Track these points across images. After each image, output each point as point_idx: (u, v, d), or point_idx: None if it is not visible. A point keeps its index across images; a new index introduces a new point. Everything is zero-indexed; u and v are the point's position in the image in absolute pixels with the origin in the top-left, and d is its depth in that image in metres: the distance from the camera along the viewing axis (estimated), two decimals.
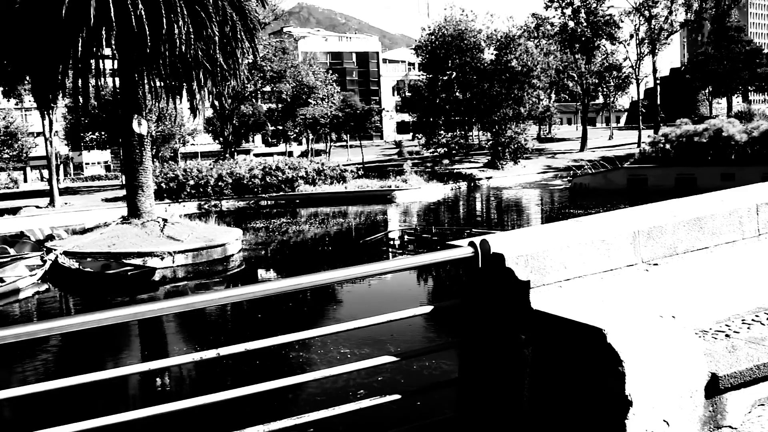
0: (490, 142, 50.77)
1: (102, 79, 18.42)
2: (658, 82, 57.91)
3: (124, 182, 26.47)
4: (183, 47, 16.98)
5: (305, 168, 36.59)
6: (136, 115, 18.48)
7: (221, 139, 49.66)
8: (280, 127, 58.96)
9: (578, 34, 55.77)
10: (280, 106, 55.37)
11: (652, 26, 54.27)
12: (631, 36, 56.72)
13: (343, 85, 78.34)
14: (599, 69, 59.34)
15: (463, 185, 42.15)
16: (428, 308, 2.62)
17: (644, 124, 58.21)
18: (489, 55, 49.53)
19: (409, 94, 58.74)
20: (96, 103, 29.36)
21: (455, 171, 46.11)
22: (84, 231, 20.11)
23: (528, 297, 2.44)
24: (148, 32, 16.30)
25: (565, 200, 31.82)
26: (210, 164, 37.91)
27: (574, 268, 3.09)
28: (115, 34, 16.38)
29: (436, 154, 52.61)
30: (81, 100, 19.22)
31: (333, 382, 7.26)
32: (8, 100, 39.52)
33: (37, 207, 34.48)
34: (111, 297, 14.30)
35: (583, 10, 55.87)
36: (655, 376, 2.21)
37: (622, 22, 56.43)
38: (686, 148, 30.46)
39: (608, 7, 55.92)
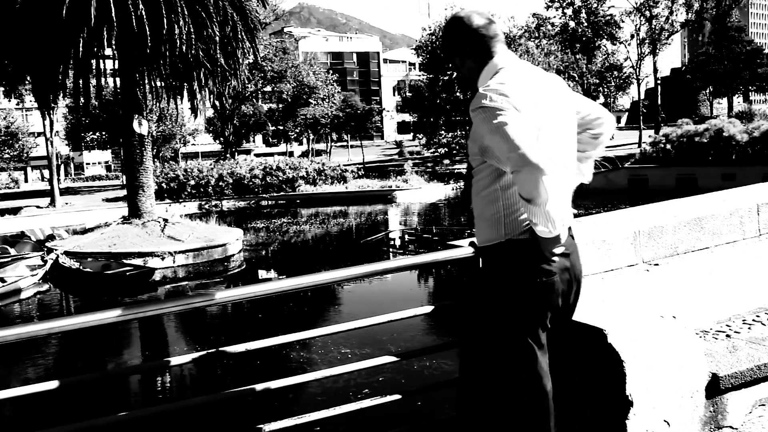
0: None
1: (103, 79, 18.41)
2: (658, 82, 57.87)
3: (124, 182, 26.48)
4: (184, 47, 16.98)
5: (306, 168, 36.58)
6: (136, 115, 18.48)
7: (222, 139, 49.69)
8: (281, 127, 58.98)
9: (579, 34, 55.74)
10: (280, 106, 55.37)
11: (653, 26, 54.22)
12: (632, 36, 56.64)
13: (343, 85, 78.38)
14: (600, 69, 59.34)
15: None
16: (428, 308, 2.62)
17: (645, 124, 58.17)
18: None
19: (410, 94, 58.75)
20: (97, 103, 29.33)
21: (456, 171, 46.08)
22: (85, 231, 20.12)
23: None
24: (148, 32, 16.30)
25: None
26: (211, 164, 37.91)
27: None
28: (116, 34, 16.38)
29: (436, 154, 52.60)
30: (82, 100, 19.22)
31: (333, 382, 7.26)
32: (9, 100, 39.54)
33: (38, 207, 34.48)
34: (111, 297, 14.30)
35: (583, 10, 55.83)
36: (655, 377, 2.21)
37: (623, 22, 56.39)
38: (687, 148, 30.42)
39: (609, 8, 55.91)
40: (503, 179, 2.05)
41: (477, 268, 2.23)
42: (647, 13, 54.37)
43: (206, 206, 32.90)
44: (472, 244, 2.29)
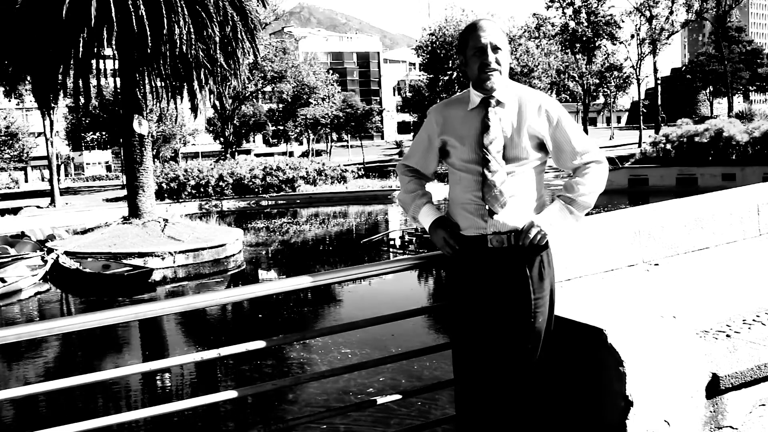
0: None
1: (103, 79, 18.42)
2: (658, 82, 57.86)
3: (124, 182, 26.49)
4: (184, 47, 16.98)
5: (306, 168, 36.58)
6: (136, 115, 18.48)
7: (222, 139, 49.69)
8: (281, 127, 58.99)
9: (579, 35, 55.75)
10: (280, 106, 55.38)
11: (653, 26, 54.23)
12: (632, 36, 56.64)
13: (343, 85, 78.41)
14: (600, 69, 59.31)
15: None
16: (429, 308, 2.61)
17: (645, 124, 58.18)
18: None
19: (410, 94, 58.75)
20: (97, 103, 29.38)
21: None
22: (85, 231, 20.10)
23: None
24: (149, 32, 16.30)
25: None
26: (211, 164, 37.91)
27: (574, 267, 3.09)
28: (116, 34, 16.37)
29: None
30: (82, 100, 19.21)
31: (333, 382, 7.25)
32: (9, 100, 39.54)
33: (38, 207, 34.49)
34: (111, 297, 14.30)
35: (584, 10, 55.84)
36: (655, 377, 2.21)
37: (623, 22, 56.41)
38: (687, 148, 30.43)
39: (609, 7, 55.93)
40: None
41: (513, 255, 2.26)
42: (647, 13, 54.36)
43: (206, 206, 32.88)
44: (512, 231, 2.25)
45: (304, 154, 61.02)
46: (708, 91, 73.63)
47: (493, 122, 2.23)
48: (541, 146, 2.29)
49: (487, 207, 2.23)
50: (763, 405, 2.45)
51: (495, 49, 2.21)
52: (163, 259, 16.71)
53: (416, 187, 2.49)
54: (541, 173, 2.34)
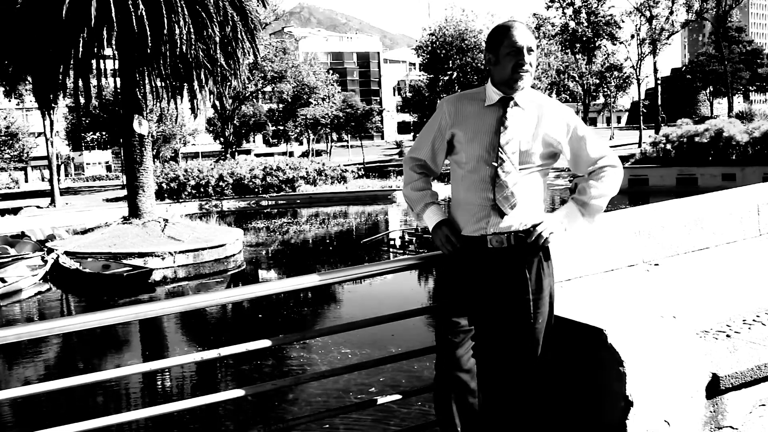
0: None
1: (103, 79, 18.41)
2: (659, 82, 57.85)
3: (124, 182, 26.50)
4: (184, 47, 16.98)
5: (306, 168, 36.58)
6: (136, 115, 18.48)
7: (222, 139, 49.69)
8: (281, 128, 58.99)
9: (579, 35, 55.79)
10: (280, 106, 55.39)
11: (653, 26, 54.24)
12: (632, 36, 56.68)
13: (343, 85, 78.43)
14: (600, 69, 59.34)
15: None
16: (429, 308, 2.62)
17: (645, 124, 58.19)
18: None
19: (410, 95, 58.76)
20: (97, 103, 29.39)
21: None
22: (85, 231, 20.10)
23: None
24: (149, 32, 16.30)
25: (566, 200, 31.80)
26: (211, 164, 37.90)
27: (575, 267, 3.09)
28: (116, 34, 16.38)
29: None
30: (82, 100, 19.22)
31: (333, 382, 7.25)
32: (9, 100, 39.58)
33: (38, 207, 34.49)
34: (110, 298, 14.30)
35: (584, 11, 55.89)
36: (656, 377, 2.21)
37: (623, 22, 56.45)
38: (687, 149, 30.41)
39: (609, 8, 55.97)
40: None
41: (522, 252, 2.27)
42: (647, 13, 54.36)
43: (206, 206, 32.87)
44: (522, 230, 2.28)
45: (304, 154, 61.03)
46: (708, 91, 73.64)
47: (511, 122, 2.23)
48: (551, 155, 2.32)
49: (492, 207, 2.22)
50: (763, 405, 2.45)
51: (529, 50, 2.21)
52: (163, 259, 16.71)
53: (425, 185, 2.48)
54: (545, 177, 2.36)
